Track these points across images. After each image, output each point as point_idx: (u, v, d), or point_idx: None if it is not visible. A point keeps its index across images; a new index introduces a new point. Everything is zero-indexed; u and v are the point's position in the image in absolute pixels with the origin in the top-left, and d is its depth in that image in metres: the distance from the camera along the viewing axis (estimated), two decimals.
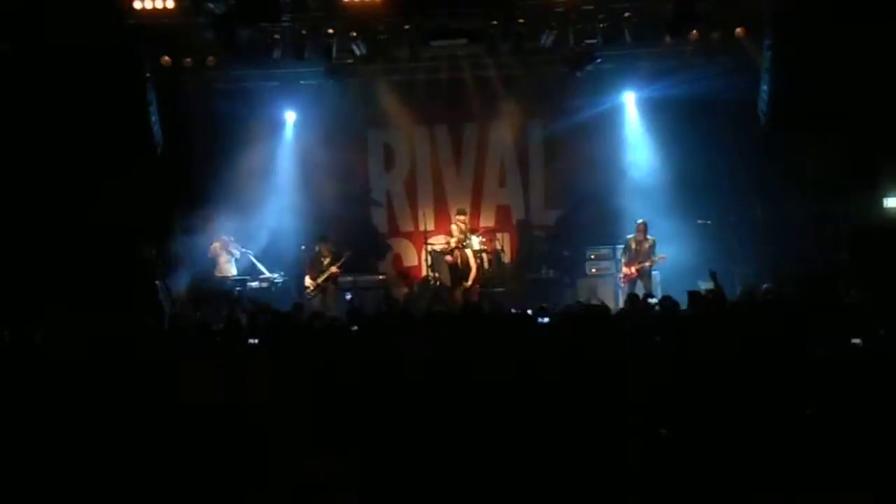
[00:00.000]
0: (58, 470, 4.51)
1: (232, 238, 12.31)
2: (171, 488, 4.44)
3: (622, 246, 12.17)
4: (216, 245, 12.24)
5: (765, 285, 8.40)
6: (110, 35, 10.52)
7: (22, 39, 10.37)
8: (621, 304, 10.41)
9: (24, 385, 5.63)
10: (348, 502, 4.18)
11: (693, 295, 7.73)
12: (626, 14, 10.75)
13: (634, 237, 11.96)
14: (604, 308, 7.24)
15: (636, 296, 8.54)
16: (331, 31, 11.00)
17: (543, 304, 8.50)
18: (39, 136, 10.71)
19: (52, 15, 10.17)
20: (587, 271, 12.71)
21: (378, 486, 4.18)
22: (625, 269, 11.97)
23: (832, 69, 10.25)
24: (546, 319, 7.23)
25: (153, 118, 11.18)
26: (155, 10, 10.41)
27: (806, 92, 10.50)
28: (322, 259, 12.19)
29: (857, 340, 5.64)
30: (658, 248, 11.96)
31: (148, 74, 10.98)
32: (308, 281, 12.22)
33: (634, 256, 11.89)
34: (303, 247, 12.72)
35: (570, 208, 13.57)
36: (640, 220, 12.00)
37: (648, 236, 11.93)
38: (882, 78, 10.26)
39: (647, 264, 11.81)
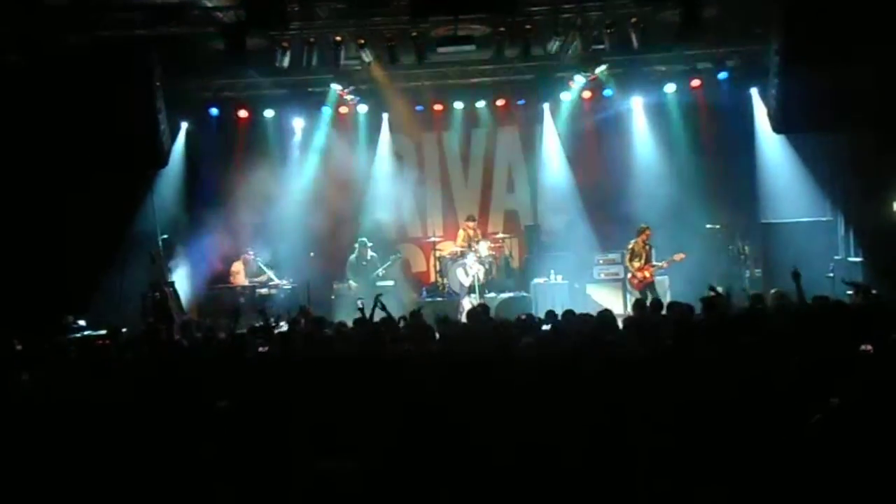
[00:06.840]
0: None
1: (252, 254, 12.55)
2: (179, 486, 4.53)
3: (628, 250, 11.98)
4: (239, 262, 12.48)
5: (773, 290, 8.32)
6: (120, 44, 10.58)
7: (31, 51, 10.44)
8: (629, 310, 10.39)
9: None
10: None
11: (707, 301, 7.65)
12: (634, 19, 10.72)
13: (640, 240, 11.83)
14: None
15: (643, 302, 8.46)
16: (338, 38, 11.03)
17: (551, 310, 8.44)
18: (50, 146, 10.76)
19: (61, 26, 10.23)
20: (595, 276, 12.70)
21: None
22: (639, 274, 11.77)
23: (841, 72, 10.18)
24: (549, 326, 7.18)
25: (162, 126, 11.23)
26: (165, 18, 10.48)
27: (815, 96, 10.43)
28: (363, 262, 12.46)
29: (867, 347, 5.55)
30: (663, 253, 11.93)
31: (157, 83, 11.02)
32: (353, 283, 12.46)
33: (648, 260, 11.76)
34: (311, 253, 12.76)
35: (578, 213, 13.54)
36: (644, 224, 11.89)
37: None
38: (891, 80, 10.19)
39: (663, 265, 11.74)
